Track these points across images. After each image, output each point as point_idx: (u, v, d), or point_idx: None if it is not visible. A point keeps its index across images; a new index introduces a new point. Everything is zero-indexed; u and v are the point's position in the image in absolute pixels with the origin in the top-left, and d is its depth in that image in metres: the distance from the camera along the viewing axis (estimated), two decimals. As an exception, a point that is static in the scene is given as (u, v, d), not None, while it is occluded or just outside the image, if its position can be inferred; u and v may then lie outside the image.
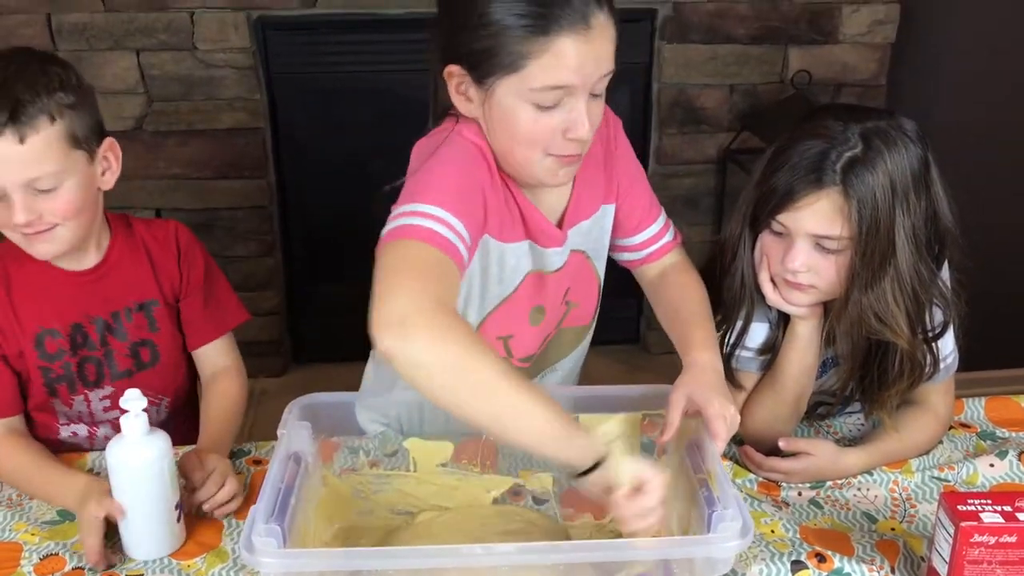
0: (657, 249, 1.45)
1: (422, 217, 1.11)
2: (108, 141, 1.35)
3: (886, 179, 1.20)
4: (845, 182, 1.20)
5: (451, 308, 1.06)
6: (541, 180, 1.24)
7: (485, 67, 1.16)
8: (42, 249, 1.32)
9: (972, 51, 2.68)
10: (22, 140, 1.23)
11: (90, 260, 1.39)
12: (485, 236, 1.24)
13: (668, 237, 1.45)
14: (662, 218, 1.45)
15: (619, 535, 1.17)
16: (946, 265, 1.32)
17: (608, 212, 1.39)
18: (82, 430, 1.46)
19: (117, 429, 1.18)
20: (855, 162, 1.20)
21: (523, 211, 1.28)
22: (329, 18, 2.49)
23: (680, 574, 1.08)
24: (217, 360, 1.50)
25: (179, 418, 1.52)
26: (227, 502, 1.26)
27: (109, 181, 1.36)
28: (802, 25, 2.60)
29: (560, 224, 1.33)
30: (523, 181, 1.25)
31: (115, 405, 1.41)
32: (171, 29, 2.43)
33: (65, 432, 1.45)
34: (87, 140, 1.30)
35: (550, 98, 1.15)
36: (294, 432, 1.18)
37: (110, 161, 1.35)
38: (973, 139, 2.66)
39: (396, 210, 1.14)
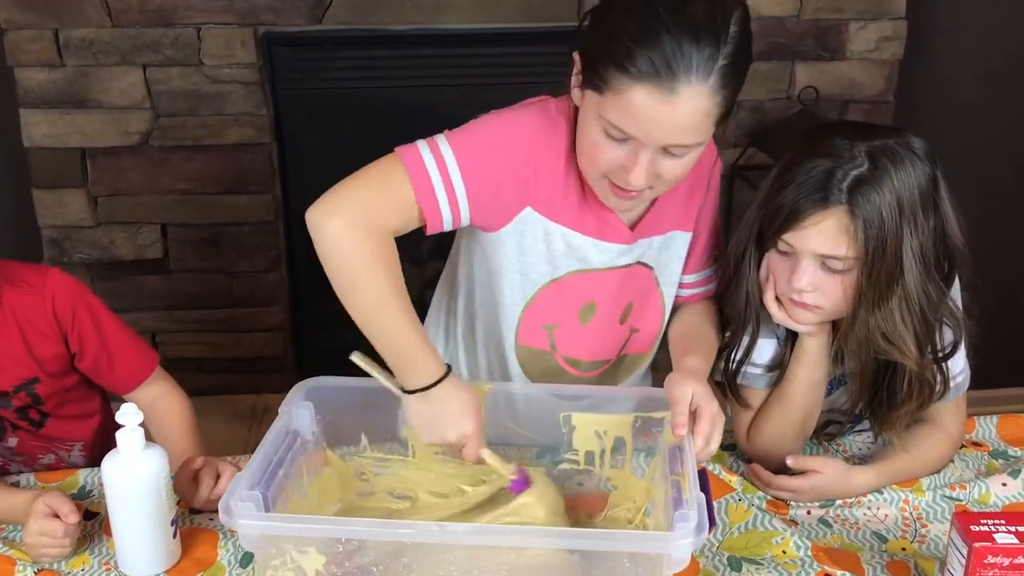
0: (703, 291, 1.45)
1: (433, 154, 1.19)
2: None
3: (893, 198, 1.18)
4: (851, 201, 1.19)
5: (379, 226, 1.16)
6: (597, 194, 1.24)
7: (586, 71, 1.16)
8: None
9: (980, 67, 2.66)
10: None
11: None
12: (527, 209, 1.25)
13: (713, 285, 1.44)
14: (716, 265, 1.44)
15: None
16: (956, 283, 1.31)
17: (681, 240, 1.38)
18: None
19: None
20: (861, 181, 1.19)
21: (589, 200, 1.27)
22: (335, 34, 2.48)
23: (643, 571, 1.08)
24: (148, 393, 1.44)
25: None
26: None
27: None
28: (809, 41, 2.58)
29: (635, 227, 1.32)
30: None
31: (27, 450, 1.41)
32: (178, 44, 2.43)
33: None
34: None
35: (616, 133, 1.13)
36: (296, 410, 1.21)
37: None
38: (982, 155, 2.65)
39: (437, 134, 1.22)
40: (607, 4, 1.15)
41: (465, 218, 1.22)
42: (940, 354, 1.30)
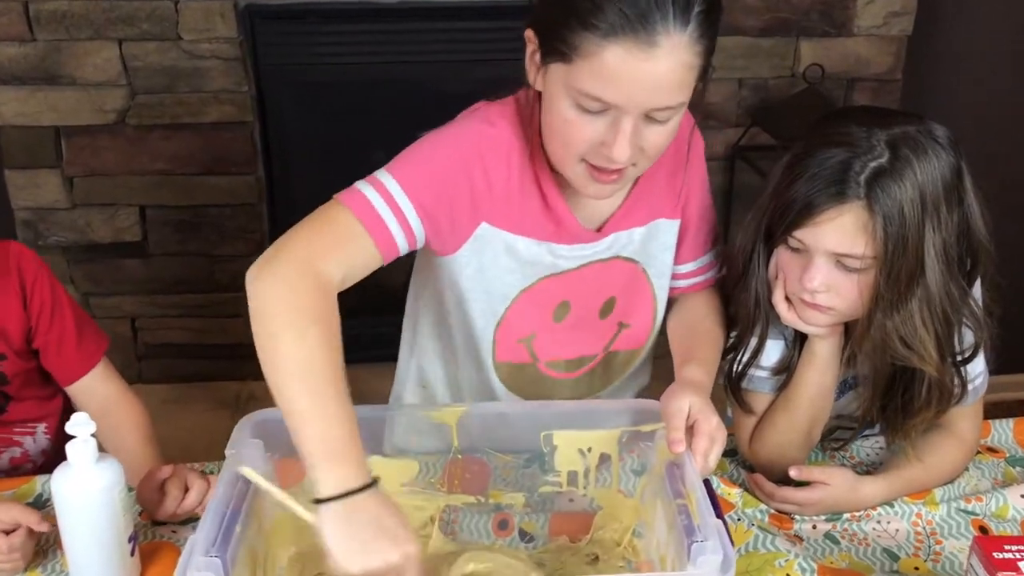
0: (701, 281, 1.36)
1: (374, 188, 1.10)
2: None
3: (915, 192, 1.09)
4: (870, 196, 1.10)
5: (319, 273, 1.02)
6: (574, 185, 1.14)
7: (545, 45, 1.05)
8: None
9: (992, 44, 2.57)
10: None
11: None
12: (483, 224, 1.16)
13: (713, 272, 1.35)
14: (717, 250, 1.35)
15: (596, 557, 1.14)
16: (978, 282, 1.22)
17: (667, 228, 1.29)
18: None
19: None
20: (881, 173, 1.10)
21: (548, 203, 1.17)
22: (320, 7, 2.40)
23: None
24: (99, 390, 1.38)
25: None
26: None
27: None
28: (814, 16, 2.49)
29: (602, 227, 1.22)
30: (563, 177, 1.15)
31: None
32: (154, 18, 2.33)
33: None
34: None
35: (591, 105, 1.03)
36: (245, 451, 1.07)
37: None
38: (993, 136, 2.56)
39: (372, 173, 1.12)
40: None
41: (420, 238, 1.13)
42: (961, 357, 1.22)
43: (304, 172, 2.59)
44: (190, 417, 2.56)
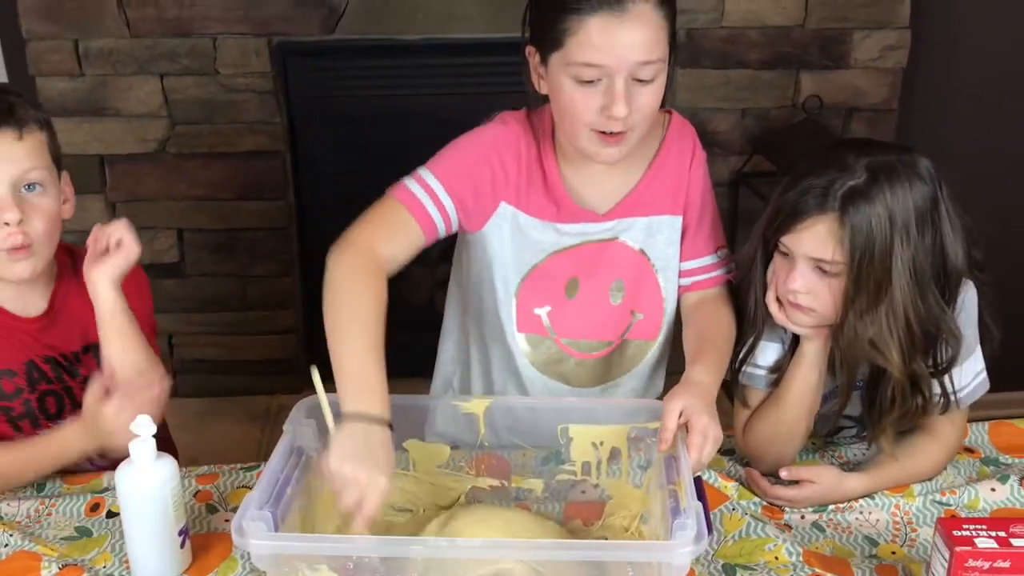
0: (705, 279, 1.50)
1: (416, 181, 1.36)
2: (65, 174, 1.40)
3: (884, 211, 1.23)
4: (843, 209, 1.23)
5: (375, 253, 1.27)
6: (588, 154, 1.34)
7: (543, 45, 1.29)
8: (19, 268, 1.33)
9: (984, 75, 2.69)
10: (21, 137, 1.29)
11: (35, 304, 1.40)
12: (502, 204, 1.39)
13: (718, 272, 1.50)
14: (721, 253, 1.50)
15: (605, 540, 1.27)
16: (975, 301, 1.35)
17: (670, 224, 1.46)
18: None
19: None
20: (855, 192, 1.23)
21: (549, 186, 1.39)
22: (348, 43, 2.53)
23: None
24: None
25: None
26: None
27: (68, 211, 1.41)
28: (813, 50, 2.62)
29: (609, 212, 1.42)
30: (578, 155, 1.36)
31: None
32: (194, 54, 2.48)
33: None
34: (57, 161, 1.37)
35: (587, 74, 1.25)
36: (299, 428, 1.24)
37: (67, 194, 1.40)
38: (986, 163, 2.67)
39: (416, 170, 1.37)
40: None
41: (455, 221, 1.38)
42: (939, 368, 1.33)
43: (332, 198, 2.71)
44: (223, 429, 2.65)
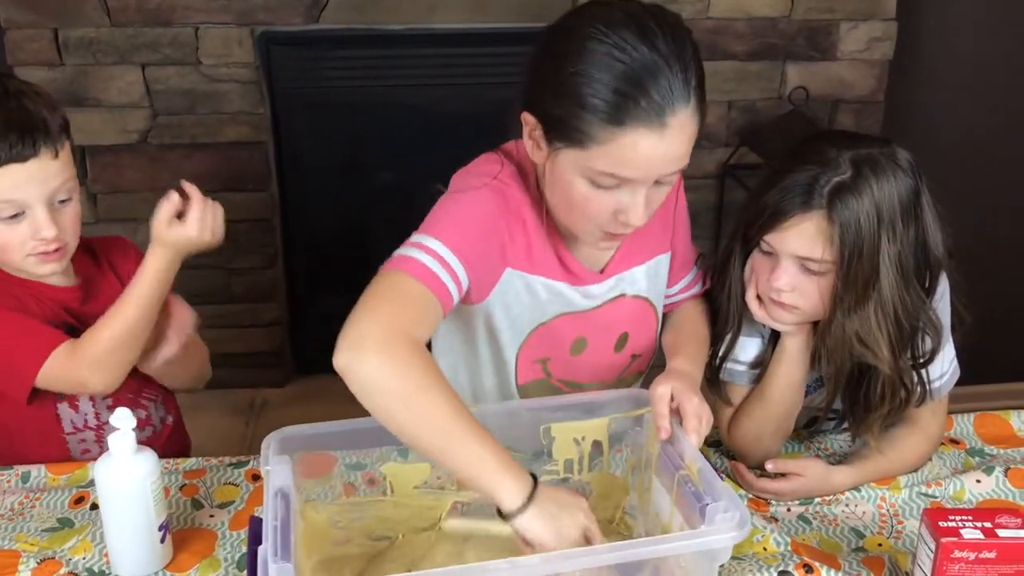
0: (687, 297, 1.49)
1: (422, 251, 1.16)
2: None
3: (872, 206, 1.21)
4: (831, 206, 1.22)
5: (414, 340, 1.08)
6: (584, 243, 1.28)
7: (555, 131, 1.15)
8: (49, 268, 1.35)
9: (969, 67, 2.70)
10: (56, 155, 1.29)
11: (69, 282, 1.42)
12: (507, 270, 1.27)
13: (697, 288, 1.48)
14: (699, 263, 1.49)
15: (624, 537, 1.24)
16: (947, 288, 1.34)
17: (664, 261, 1.43)
18: (90, 436, 1.46)
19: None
20: (842, 188, 1.22)
21: (558, 251, 1.31)
22: (332, 33, 2.52)
23: (673, 568, 1.09)
24: None
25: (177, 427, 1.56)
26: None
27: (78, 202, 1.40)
28: (800, 42, 2.62)
29: (604, 268, 1.36)
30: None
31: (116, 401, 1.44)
32: (176, 44, 2.46)
33: (73, 441, 1.45)
34: (75, 156, 1.37)
35: (609, 181, 1.15)
36: (276, 468, 1.14)
37: (77, 184, 1.39)
38: (971, 154, 2.68)
39: (408, 239, 1.19)
40: (555, 60, 1.13)
41: (465, 288, 1.21)
42: (920, 360, 1.33)
43: (316, 189, 2.71)
44: (207, 422, 2.59)
